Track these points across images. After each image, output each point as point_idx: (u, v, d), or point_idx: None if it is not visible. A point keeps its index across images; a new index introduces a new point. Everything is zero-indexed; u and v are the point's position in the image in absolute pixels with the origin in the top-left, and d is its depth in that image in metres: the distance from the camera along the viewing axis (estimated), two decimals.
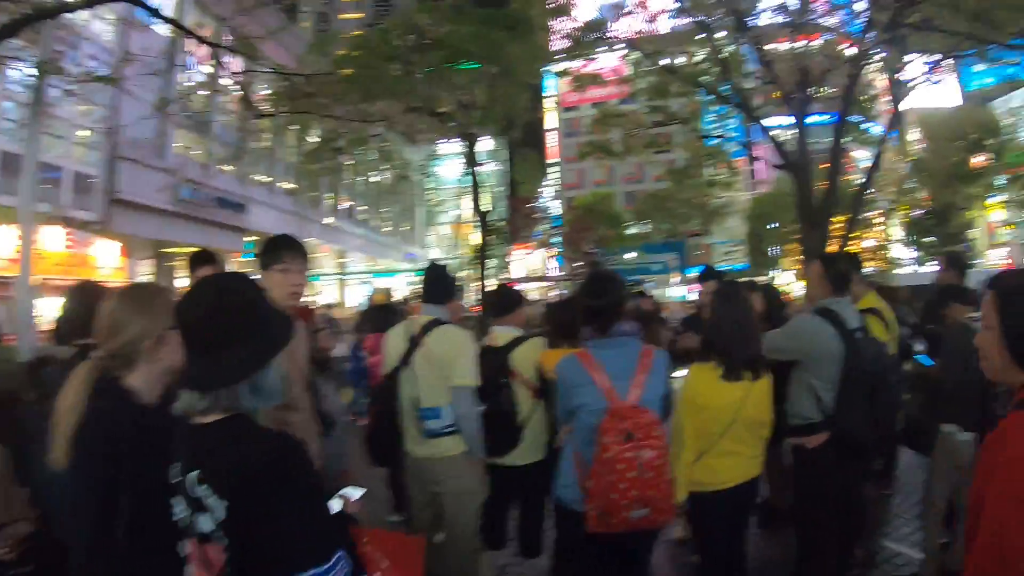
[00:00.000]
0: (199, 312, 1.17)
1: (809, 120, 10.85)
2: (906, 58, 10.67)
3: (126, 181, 19.62)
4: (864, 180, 11.68)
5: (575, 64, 13.47)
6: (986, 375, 1.27)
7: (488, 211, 13.28)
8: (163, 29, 14.43)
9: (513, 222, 27.44)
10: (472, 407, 2.64)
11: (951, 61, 12.85)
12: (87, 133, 17.60)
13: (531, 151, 17.77)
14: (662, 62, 11.90)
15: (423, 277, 2.96)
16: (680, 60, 11.88)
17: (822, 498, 2.69)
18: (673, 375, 2.53)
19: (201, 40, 10.01)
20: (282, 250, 2.30)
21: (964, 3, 8.44)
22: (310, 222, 26.88)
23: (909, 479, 4.48)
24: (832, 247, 10.20)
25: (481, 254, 13.33)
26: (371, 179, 34.56)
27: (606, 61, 14.06)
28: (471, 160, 13.00)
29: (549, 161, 52.00)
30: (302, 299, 2.57)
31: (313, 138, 16.72)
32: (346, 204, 37.58)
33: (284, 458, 1.11)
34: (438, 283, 2.92)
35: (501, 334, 3.20)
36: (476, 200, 13.46)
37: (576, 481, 2.29)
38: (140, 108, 13.19)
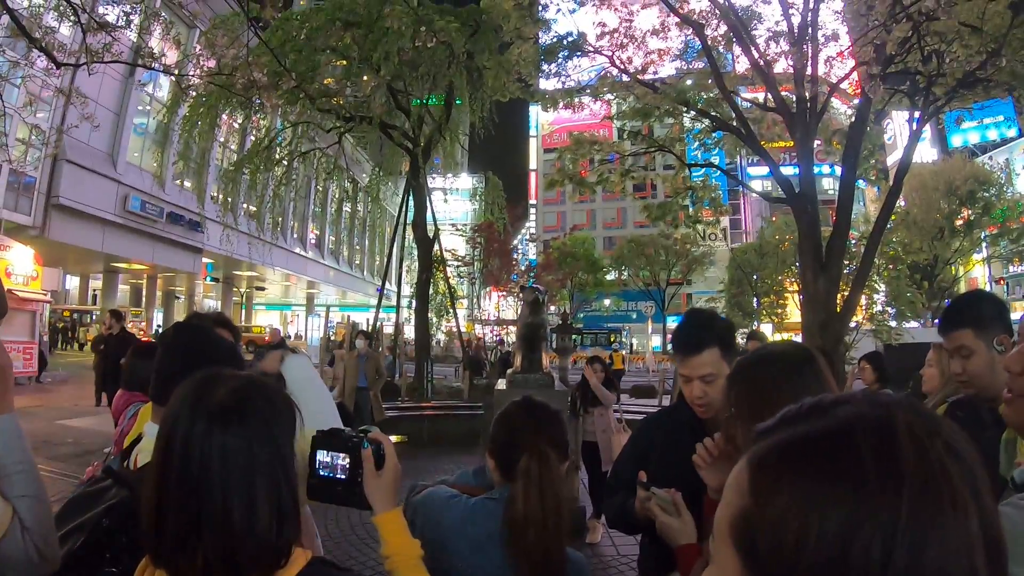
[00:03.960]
0: None
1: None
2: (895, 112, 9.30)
3: (68, 186, 17.95)
4: (873, 229, 10.00)
5: (550, 84, 11.95)
6: None
7: (433, 242, 11.47)
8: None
9: (485, 261, 25.60)
10: None
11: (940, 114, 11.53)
12: (28, 130, 15.78)
13: (492, 174, 16.21)
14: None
15: None
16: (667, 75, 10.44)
17: None
18: None
19: None
20: None
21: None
22: (277, 249, 25.48)
23: None
24: (838, 299, 8.59)
25: (424, 289, 11.48)
26: (334, 205, 32.92)
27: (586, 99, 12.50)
28: (413, 180, 11.27)
29: (530, 202, 50.92)
30: None
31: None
32: (314, 234, 36.20)
33: None
34: None
35: None
36: (406, 227, 11.78)
37: None
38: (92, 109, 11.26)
